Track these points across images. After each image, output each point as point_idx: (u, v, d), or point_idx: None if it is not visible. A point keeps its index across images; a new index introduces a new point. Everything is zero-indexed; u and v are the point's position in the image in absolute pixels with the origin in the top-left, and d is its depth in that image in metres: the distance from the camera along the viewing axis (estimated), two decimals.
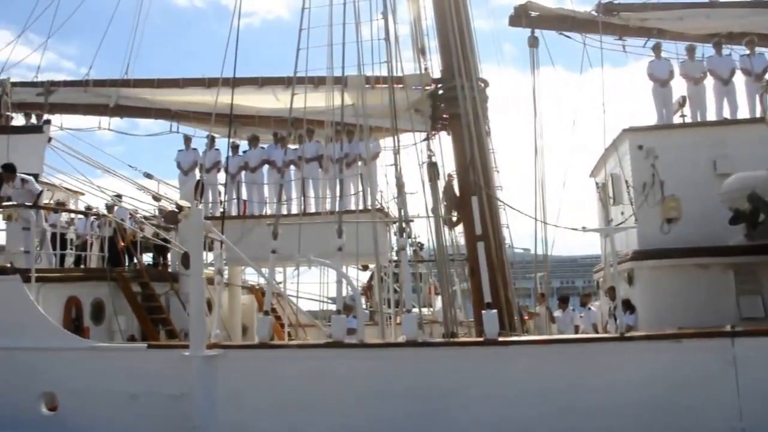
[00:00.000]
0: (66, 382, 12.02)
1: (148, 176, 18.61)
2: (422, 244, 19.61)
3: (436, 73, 15.29)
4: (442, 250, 12.46)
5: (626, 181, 15.12)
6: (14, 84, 17.86)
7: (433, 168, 12.81)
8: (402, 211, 11.87)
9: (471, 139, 12.93)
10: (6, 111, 14.76)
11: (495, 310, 10.76)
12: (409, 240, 12.60)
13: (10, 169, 13.96)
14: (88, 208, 16.96)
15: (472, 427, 10.38)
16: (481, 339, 10.99)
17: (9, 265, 13.05)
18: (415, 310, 12.53)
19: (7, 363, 12.35)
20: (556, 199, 18.87)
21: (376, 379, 10.73)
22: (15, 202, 13.63)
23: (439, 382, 10.50)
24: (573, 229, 12.73)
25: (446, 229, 14.19)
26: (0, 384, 12.33)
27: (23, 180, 14.00)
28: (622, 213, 15.59)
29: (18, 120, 18.22)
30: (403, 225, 11.74)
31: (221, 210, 15.85)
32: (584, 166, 20.15)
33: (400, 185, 12.01)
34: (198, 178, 16.75)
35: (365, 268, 19.51)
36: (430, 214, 12.74)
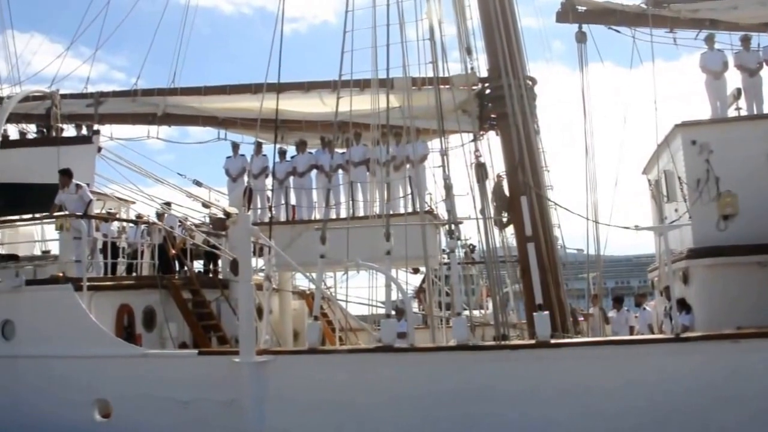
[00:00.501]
0: (118, 390, 12.29)
1: (198, 184, 18.90)
2: (474, 246, 19.50)
3: (483, 73, 15.25)
4: (491, 252, 12.39)
5: (680, 178, 14.87)
6: (64, 96, 18.29)
7: (481, 168, 12.75)
8: (450, 212, 11.84)
9: (519, 138, 12.86)
10: (56, 123, 15.08)
11: (546, 312, 10.69)
12: (459, 242, 12.50)
13: (67, 173, 14.34)
14: (139, 216, 17.24)
15: (526, 429, 10.29)
16: (532, 341, 10.92)
17: (61, 274, 13.35)
18: (466, 312, 12.51)
19: (61, 371, 12.68)
20: (609, 197, 18.60)
21: (426, 383, 10.74)
22: (67, 211, 13.93)
23: (490, 386, 10.48)
24: (625, 227, 12.54)
25: (497, 230, 14.14)
26: (55, 392, 12.68)
27: (78, 185, 14.36)
28: (676, 210, 15.30)
29: (69, 131, 18.69)
30: (452, 227, 11.71)
31: (270, 216, 15.94)
32: (636, 164, 19.83)
33: (448, 186, 12.01)
34: (246, 184, 16.90)
35: (416, 271, 19.48)
36: (479, 215, 12.67)
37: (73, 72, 19.87)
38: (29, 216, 15.08)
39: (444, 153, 12.50)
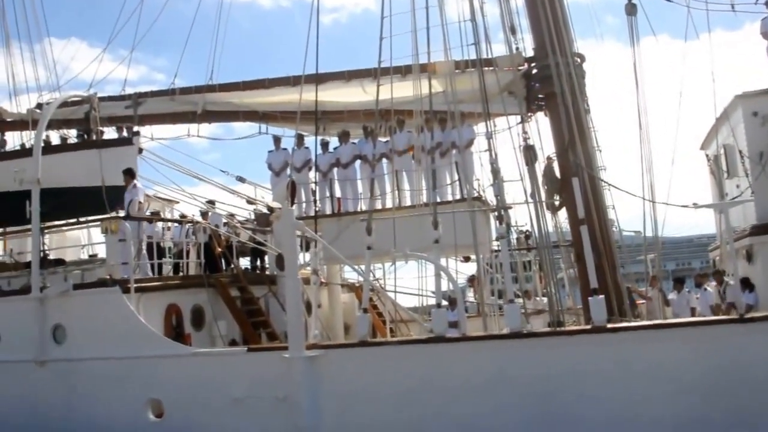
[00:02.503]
0: (170, 389, 12.65)
1: (241, 180, 19.18)
2: (530, 232, 19.34)
3: (529, 52, 15.21)
4: (542, 236, 12.38)
5: (741, 152, 14.65)
6: (102, 99, 18.66)
7: (530, 151, 12.73)
8: (499, 197, 11.88)
9: (569, 117, 12.78)
10: (95, 126, 15.45)
11: (602, 296, 10.67)
12: (510, 227, 12.54)
13: (128, 173, 14.84)
14: (183, 216, 17.57)
15: (582, 417, 10.37)
16: (588, 326, 10.92)
17: (108, 277, 13.74)
18: (519, 300, 12.52)
19: (113, 373, 13.09)
20: (665, 176, 18.35)
21: (479, 372, 10.86)
22: (113, 214, 14.31)
23: (546, 373, 10.54)
24: (683, 206, 12.39)
25: (549, 215, 14.11)
26: (107, 393, 13.11)
27: (135, 185, 14.80)
28: (738, 186, 15.11)
29: (110, 134, 19.08)
30: (501, 212, 11.75)
31: (315, 209, 16.13)
32: (694, 140, 19.55)
33: (495, 171, 12.04)
34: (289, 178, 17.10)
35: (467, 259, 19.48)
36: (530, 199, 12.66)
37: (111, 75, 20.19)
38: (74, 220, 15.44)
39: (490, 136, 12.50)
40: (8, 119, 21.88)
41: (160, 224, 18.05)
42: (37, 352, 13.82)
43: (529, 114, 15.23)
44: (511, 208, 13.10)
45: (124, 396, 12.96)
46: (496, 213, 11.99)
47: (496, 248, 17.32)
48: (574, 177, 11.92)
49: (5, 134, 22.15)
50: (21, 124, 21.15)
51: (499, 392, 10.71)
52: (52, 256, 16.11)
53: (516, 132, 13.97)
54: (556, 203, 14.79)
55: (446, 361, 11.09)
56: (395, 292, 13.96)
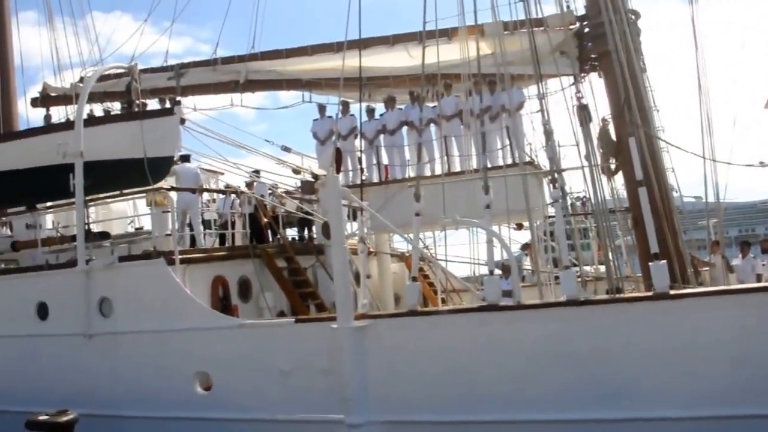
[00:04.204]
0: (218, 361, 12.63)
1: (286, 149, 19.03)
2: (585, 198, 18.87)
3: (580, 11, 14.86)
4: (598, 198, 11.99)
5: None
6: (144, 71, 18.67)
7: (584, 111, 12.31)
8: (552, 160, 11.53)
9: (624, 75, 12.31)
10: (137, 97, 15.40)
11: (664, 261, 10.29)
12: (564, 191, 12.14)
13: (186, 159, 15.01)
14: (227, 186, 17.53)
15: (642, 389, 10.06)
16: (649, 293, 10.56)
17: (153, 249, 13.79)
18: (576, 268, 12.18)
19: (160, 345, 13.14)
20: (726, 138, 17.65)
21: (534, 342, 10.61)
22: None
23: (604, 342, 10.25)
24: (748, 165, 11.90)
25: (605, 179, 13.70)
26: (155, 366, 13.17)
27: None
28: None
29: (153, 106, 19.06)
30: (555, 175, 11.40)
31: (361, 177, 15.95)
32: (757, 99, 18.79)
33: (548, 132, 11.68)
34: (335, 146, 16.91)
35: (519, 227, 19.15)
36: (584, 161, 12.27)
37: (156, 47, 20.37)
38: (117, 192, 15.49)
39: (542, 97, 12.12)
40: (52, 94, 22.29)
41: (205, 196, 18.08)
42: (84, 325, 13.91)
43: (582, 75, 14.84)
44: (565, 170, 12.69)
45: (172, 369, 13.00)
46: (549, 177, 11.65)
47: (550, 215, 17.04)
48: (630, 137, 11.47)
49: (50, 109, 22.46)
50: (65, 98, 21.46)
51: (555, 362, 10.44)
52: (98, 229, 16.17)
53: (568, 94, 13.64)
54: (612, 167, 14.40)
55: (500, 331, 10.85)
56: (446, 261, 13.69)
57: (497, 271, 11.67)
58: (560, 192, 11.48)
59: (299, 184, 18.23)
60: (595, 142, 13.44)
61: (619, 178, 14.57)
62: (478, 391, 10.81)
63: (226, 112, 19.09)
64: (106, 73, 18.45)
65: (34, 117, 24.15)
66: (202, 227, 16.20)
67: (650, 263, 10.42)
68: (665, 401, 9.94)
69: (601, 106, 14.05)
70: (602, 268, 19.81)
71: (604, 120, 14.57)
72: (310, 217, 16.94)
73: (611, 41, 12.66)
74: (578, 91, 12.52)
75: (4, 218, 18.95)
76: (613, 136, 14.25)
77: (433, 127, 16.30)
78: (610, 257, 11.83)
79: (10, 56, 23.09)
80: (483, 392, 10.79)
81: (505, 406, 10.67)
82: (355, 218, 16.94)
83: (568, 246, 15.97)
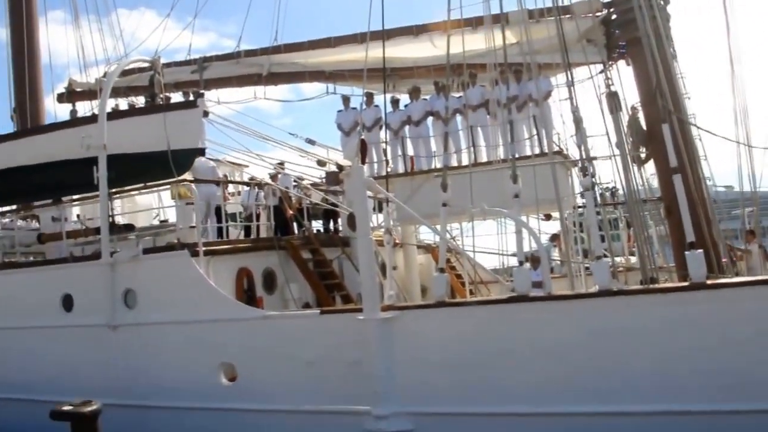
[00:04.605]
0: (243, 353, 12.40)
1: (310, 142, 18.80)
2: (615, 188, 18.34)
3: None
4: (630, 186, 11.56)
5: None
6: (168, 65, 18.53)
7: (613, 98, 11.87)
8: (582, 147, 11.11)
9: (655, 60, 11.85)
10: (160, 90, 15.18)
11: (700, 250, 9.85)
12: (594, 179, 11.69)
13: (201, 153, 14.82)
14: (251, 179, 17.31)
15: (678, 382, 9.64)
16: (685, 283, 10.11)
17: (176, 240, 13.62)
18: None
19: (185, 337, 12.96)
20: (760, 125, 17.03)
21: (565, 334, 10.22)
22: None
23: (638, 334, 9.84)
24: None
25: (635, 168, 13.26)
26: (180, 358, 13.00)
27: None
28: None
29: (177, 100, 18.87)
30: (585, 163, 10.99)
31: (387, 169, 15.62)
32: None
33: (577, 119, 11.26)
34: (360, 137, 16.61)
35: (548, 217, 18.70)
36: (615, 150, 11.84)
37: (177, 42, 20.21)
38: (141, 185, 15.29)
39: (571, 84, 11.68)
40: (78, 89, 22.25)
41: (230, 188, 17.87)
42: (109, 316, 13.76)
43: (610, 63, 14.42)
44: (596, 159, 12.28)
45: (197, 360, 12.80)
46: (579, 165, 11.24)
47: (578, 205, 16.65)
48: (663, 123, 11.01)
49: (76, 105, 22.42)
50: (90, 93, 21.38)
51: (587, 354, 10.06)
52: (123, 222, 16.01)
53: (596, 82, 13.23)
54: (642, 156, 13.97)
55: (529, 322, 10.49)
56: (473, 251, 13.30)
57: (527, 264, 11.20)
58: (591, 180, 11.06)
59: (324, 176, 17.94)
60: (624, 129, 13.04)
61: (649, 168, 14.15)
62: (507, 383, 10.48)
63: (250, 106, 18.92)
64: (130, 67, 18.34)
65: (62, 113, 24.18)
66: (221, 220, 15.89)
67: (686, 252, 9.96)
68: (703, 394, 9.51)
69: (629, 95, 13.66)
70: (633, 259, 19.43)
71: (633, 108, 14.15)
72: (335, 208, 16.63)
73: (641, 26, 12.19)
74: (608, 78, 12.09)
75: (31, 211, 18.82)
76: (643, 125, 13.80)
77: (458, 118, 15.93)
78: (644, 247, 11.38)
79: (38, 55, 23.16)
80: (512, 384, 10.46)
81: (535, 398, 10.35)
82: (380, 210, 16.66)
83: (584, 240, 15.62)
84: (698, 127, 12.71)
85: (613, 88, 12.00)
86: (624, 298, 10.14)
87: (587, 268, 16.10)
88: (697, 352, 9.54)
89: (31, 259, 17.81)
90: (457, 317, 10.99)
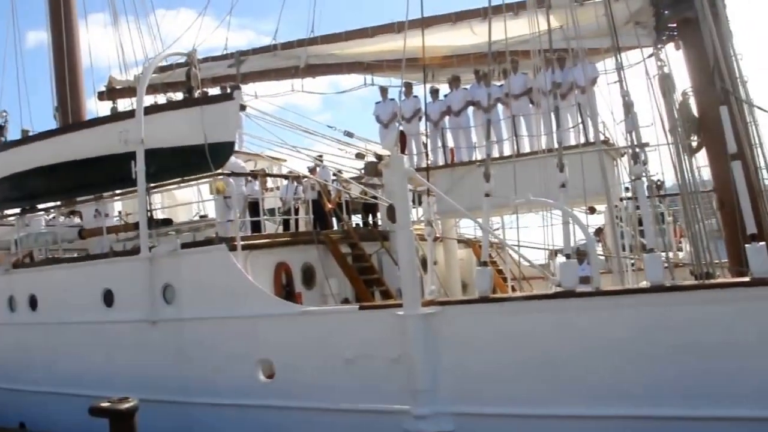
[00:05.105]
0: (280, 349, 11.96)
1: (349, 135, 18.30)
2: (661, 182, 17.36)
3: None
4: (684, 172, 10.72)
5: None
6: (205, 59, 18.26)
7: (667, 80, 11.03)
8: (633, 133, 10.32)
9: (713, 39, 10.94)
10: (196, 83, 14.77)
11: (763, 243, 9.00)
12: (645, 167, 10.85)
13: None
14: (290, 172, 16.84)
15: (737, 384, 8.87)
16: (746, 279, 9.26)
17: (215, 235, 13.27)
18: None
19: (223, 332, 12.58)
20: None
21: (615, 331, 9.50)
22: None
23: (694, 332, 9.06)
24: None
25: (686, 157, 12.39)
26: (218, 353, 12.61)
27: None
28: None
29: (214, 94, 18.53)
30: (637, 150, 10.19)
31: (427, 160, 14.98)
32: None
33: (628, 104, 10.46)
34: (399, 129, 16.00)
35: (592, 211, 17.86)
36: (668, 137, 10.99)
37: (215, 42, 19.89)
38: (178, 180, 14.90)
39: (620, 67, 10.87)
40: (117, 87, 22.24)
41: (268, 182, 17.45)
42: (148, 311, 13.46)
43: (659, 46, 13.56)
44: (647, 145, 11.46)
45: (235, 356, 12.39)
46: (630, 152, 10.44)
47: (623, 197, 15.83)
48: (722, 105, 10.11)
49: (116, 102, 22.29)
50: (129, 90, 21.27)
51: (638, 353, 9.33)
52: (162, 216, 15.68)
53: (644, 66, 12.43)
54: (694, 145, 13.08)
55: (577, 319, 9.76)
56: (518, 245, 12.56)
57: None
58: (642, 168, 10.26)
59: (363, 168, 17.39)
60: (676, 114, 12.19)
61: (701, 158, 13.25)
62: (554, 383, 9.82)
63: (289, 102, 18.58)
64: (167, 63, 18.00)
65: (103, 112, 24.22)
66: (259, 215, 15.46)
67: (747, 245, 9.11)
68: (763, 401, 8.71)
69: (677, 82, 12.78)
70: (680, 254, 18.47)
71: (684, 94, 13.26)
72: (374, 201, 16.04)
73: (698, 3, 11.28)
74: (659, 59, 11.26)
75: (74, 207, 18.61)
76: (695, 111, 12.90)
77: (500, 107, 15.20)
78: (699, 239, 10.54)
79: (78, 55, 23.13)
80: (560, 384, 9.80)
81: (584, 400, 9.66)
82: (419, 203, 16.05)
83: (640, 232, 14.79)
84: (760, 108, 11.66)
85: (666, 70, 11.16)
86: (679, 294, 9.35)
87: (632, 264, 15.32)
88: (760, 351, 8.73)
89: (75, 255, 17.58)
90: (502, 313, 10.33)
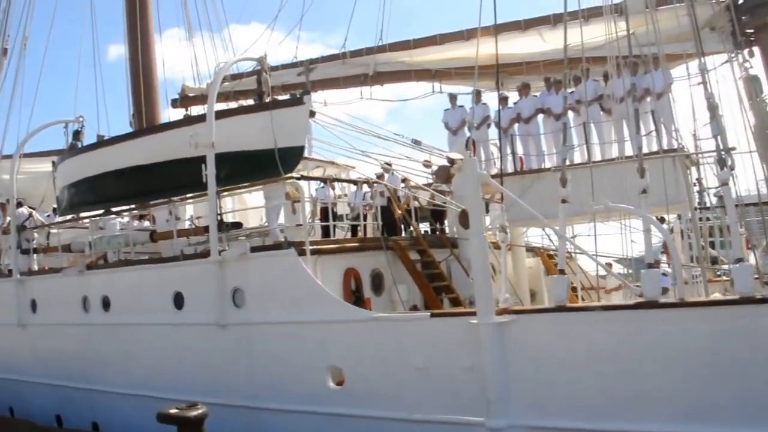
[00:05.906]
0: (350, 356, 11.49)
1: (417, 143, 17.82)
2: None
3: None
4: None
5: None
6: (275, 68, 18.15)
7: (755, 82, 10.28)
8: (719, 137, 9.59)
9: None
10: (266, 87, 14.52)
11: None
12: (733, 172, 10.08)
13: None
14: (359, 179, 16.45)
15: None
16: None
17: (284, 239, 12.90)
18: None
19: (292, 337, 12.15)
20: None
21: (699, 344, 8.78)
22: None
23: None
24: None
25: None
26: (287, 358, 12.20)
27: None
28: None
29: None
30: (723, 154, 9.46)
31: (498, 168, 14.43)
32: None
33: (713, 106, 9.74)
34: (468, 136, 15.48)
35: (662, 221, 17.05)
36: (756, 140, 10.24)
37: (283, 53, 19.94)
38: (247, 184, 14.60)
39: (703, 68, 10.16)
40: (190, 94, 22.35)
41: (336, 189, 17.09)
42: (218, 315, 13.08)
43: (737, 51, 12.83)
44: (734, 149, 10.70)
45: (304, 363, 11.93)
46: (716, 158, 9.72)
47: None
48: None
49: (189, 110, 22.37)
50: (202, 98, 21.34)
51: (727, 369, 8.60)
52: (233, 220, 15.40)
53: (725, 70, 11.71)
54: None
55: (659, 330, 9.06)
56: (596, 255, 11.85)
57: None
58: (729, 173, 9.52)
59: (431, 176, 16.89)
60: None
61: None
62: (634, 397, 9.12)
63: (357, 114, 18.32)
64: (239, 71, 17.79)
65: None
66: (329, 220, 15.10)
67: None
68: None
69: None
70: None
71: (762, 101, 12.47)
72: (443, 207, 15.52)
73: None
74: (745, 61, 10.52)
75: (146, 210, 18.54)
76: None
77: (571, 114, 14.58)
78: None
79: (154, 68, 23.28)
80: (639, 398, 9.10)
81: (666, 415, 8.95)
82: (487, 211, 15.47)
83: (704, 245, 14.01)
84: None
85: (752, 72, 10.43)
86: None
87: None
88: None
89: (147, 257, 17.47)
90: (579, 323, 9.67)
